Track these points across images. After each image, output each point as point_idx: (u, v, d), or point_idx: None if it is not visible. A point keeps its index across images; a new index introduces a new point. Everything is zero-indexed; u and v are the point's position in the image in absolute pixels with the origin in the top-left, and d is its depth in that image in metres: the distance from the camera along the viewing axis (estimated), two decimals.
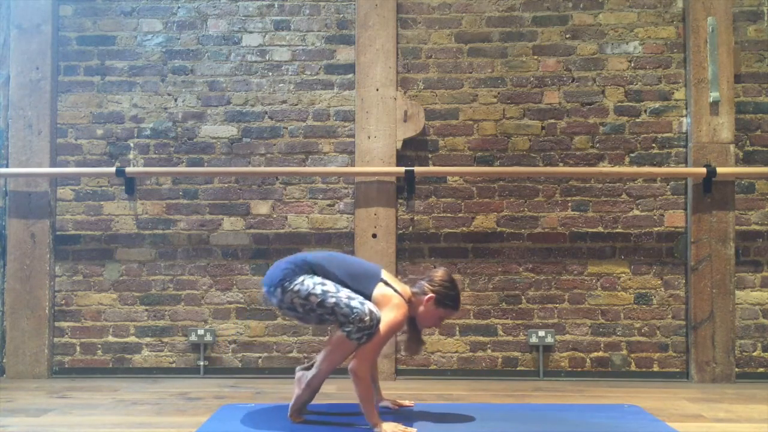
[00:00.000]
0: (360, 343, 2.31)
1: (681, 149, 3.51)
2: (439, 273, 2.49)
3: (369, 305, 2.31)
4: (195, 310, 3.56)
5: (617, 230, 3.50)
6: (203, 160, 3.59)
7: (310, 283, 2.36)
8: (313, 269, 2.43)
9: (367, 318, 2.28)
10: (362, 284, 2.42)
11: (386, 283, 2.44)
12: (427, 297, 2.44)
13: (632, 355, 3.47)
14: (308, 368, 2.52)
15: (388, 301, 2.38)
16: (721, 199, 3.42)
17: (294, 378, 2.55)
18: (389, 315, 2.35)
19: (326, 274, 2.42)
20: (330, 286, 2.37)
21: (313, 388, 2.49)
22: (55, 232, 3.57)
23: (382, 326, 2.32)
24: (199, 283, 3.56)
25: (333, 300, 2.32)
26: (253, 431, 2.40)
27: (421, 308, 2.46)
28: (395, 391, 3.01)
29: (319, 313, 2.35)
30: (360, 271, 2.47)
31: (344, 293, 2.34)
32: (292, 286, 2.37)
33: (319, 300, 2.33)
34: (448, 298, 2.46)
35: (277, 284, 2.39)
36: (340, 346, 2.35)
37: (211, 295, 3.56)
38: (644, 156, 3.51)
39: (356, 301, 2.32)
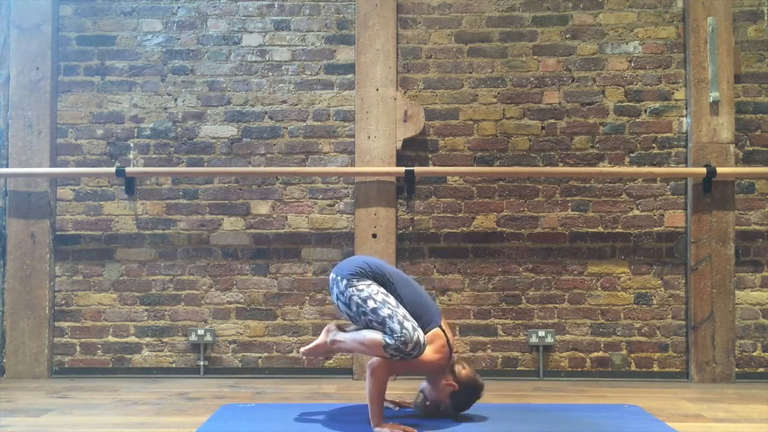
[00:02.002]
0: (392, 358, 2.31)
1: (681, 149, 3.51)
2: (478, 377, 2.51)
3: (420, 335, 2.32)
4: (195, 310, 3.56)
5: (617, 230, 3.50)
6: (203, 160, 3.59)
7: (375, 289, 2.39)
8: (384, 282, 2.45)
9: (411, 345, 2.29)
10: (422, 319, 2.43)
11: (444, 332, 2.47)
12: (451, 383, 2.44)
13: (632, 355, 3.47)
14: (341, 327, 2.59)
15: (438, 345, 2.42)
16: (721, 199, 3.41)
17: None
18: (432, 356, 2.39)
19: (393, 292, 2.44)
20: (391, 300, 2.38)
21: (333, 349, 2.58)
22: (55, 232, 3.57)
23: (423, 357, 2.35)
24: (199, 283, 3.56)
25: (388, 312, 2.32)
26: (253, 431, 2.40)
27: (443, 383, 2.47)
28: (395, 390, 3.01)
29: (370, 318, 2.35)
30: (424, 305, 2.49)
31: (401, 311, 2.36)
32: (357, 284, 2.39)
33: (374, 307, 2.34)
34: (462, 398, 2.48)
35: (345, 276, 2.42)
36: (372, 347, 2.33)
37: (211, 295, 3.56)
38: (644, 156, 3.51)
39: (410, 324, 2.32)
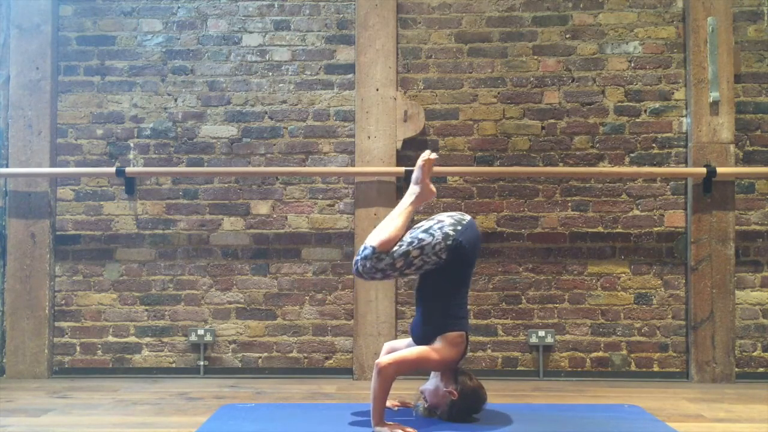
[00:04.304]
0: (357, 256, 2.45)
1: (681, 149, 3.51)
2: (481, 391, 2.50)
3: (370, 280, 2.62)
4: (195, 310, 3.56)
5: (617, 230, 3.50)
6: (203, 160, 3.59)
7: (433, 262, 2.41)
8: (461, 267, 2.46)
9: (365, 262, 2.41)
10: (465, 318, 2.48)
11: (467, 339, 2.49)
12: (452, 391, 2.44)
13: (632, 355, 3.47)
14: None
15: (456, 343, 2.42)
16: (721, 199, 3.41)
17: None
18: (444, 353, 2.41)
19: (465, 277, 2.48)
20: (410, 271, 2.44)
21: (416, 181, 2.58)
22: (55, 232, 3.57)
23: (436, 353, 2.39)
24: (199, 283, 3.56)
25: (399, 264, 2.41)
26: (253, 431, 2.40)
27: (442, 390, 2.46)
28: (395, 390, 3.00)
29: (408, 241, 2.42)
30: (467, 309, 2.52)
31: (395, 275, 2.47)
32: (438, 248, 2.40)
33: (406, 252, 2.40)
34: (459, 408, 2.46)
35: (457, 238, 2.41)
36: (384, 232, 2.43)
37: (211, 295, 3.56)
38: (644, 156, 3.51)
39: (389, 272, 2.43)
